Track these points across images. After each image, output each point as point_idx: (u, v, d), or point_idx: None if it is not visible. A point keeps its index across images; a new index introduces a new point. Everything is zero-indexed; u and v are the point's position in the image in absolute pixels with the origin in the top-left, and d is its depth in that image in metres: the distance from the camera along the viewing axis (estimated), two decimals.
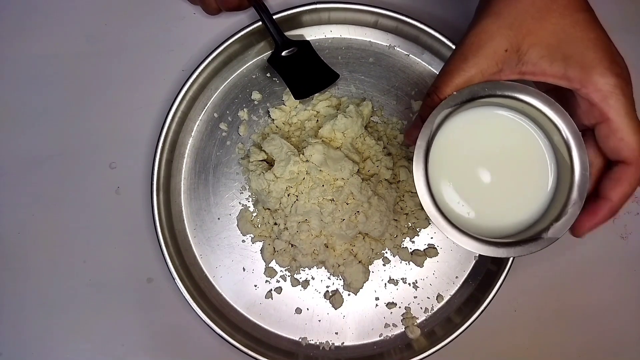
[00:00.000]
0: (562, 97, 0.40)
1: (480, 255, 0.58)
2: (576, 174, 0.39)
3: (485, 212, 0.42)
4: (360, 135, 0.56)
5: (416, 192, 0.41)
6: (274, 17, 0.56)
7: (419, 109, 0.59)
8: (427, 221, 0.58)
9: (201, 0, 0.56)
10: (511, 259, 0.54)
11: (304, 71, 0.57)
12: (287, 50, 0.57)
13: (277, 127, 0.59)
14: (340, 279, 0.57)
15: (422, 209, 0.57)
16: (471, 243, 0.39)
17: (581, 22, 0.37)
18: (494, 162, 0.42)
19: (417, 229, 0.58)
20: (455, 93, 0.39)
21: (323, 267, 0.57)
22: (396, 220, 0.57)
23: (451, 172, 0.42)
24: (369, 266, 0.57)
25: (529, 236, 0.40)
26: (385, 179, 0.56)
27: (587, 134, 0.40)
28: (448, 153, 0.41)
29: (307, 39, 0.59)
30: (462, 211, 0.42)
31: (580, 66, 0.37)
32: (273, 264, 0.57)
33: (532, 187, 0.42)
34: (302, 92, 0.57)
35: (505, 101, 0.40)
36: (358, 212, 0.54)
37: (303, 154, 0.53)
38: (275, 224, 0.56)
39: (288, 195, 0.55)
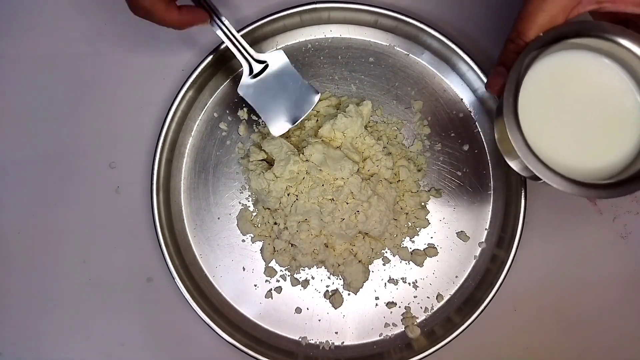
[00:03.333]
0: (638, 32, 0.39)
1: (480, 254, 0.58)
2: None
3: (578, 155, 0.42)
4: (360, 135, 0.56)
5: (499, 145, 0.42)
6: (275, 16, 0.56)
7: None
8: (427, 220, 0.58)
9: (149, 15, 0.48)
10: (511, 258, 0.54)
11: (281, 94, 0.52)
12: (258, 69, 0.51)
13: None
14: (340, 279, 0.57)
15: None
16: (571, 187, 0.39)
17: None
18: (584, 104, 0.42)
19: (417, 229, 0.58)
20: (541, 34, 0.38)
21: (323, 267, 0.57)
22: (396, 219, 0.57)
23: (541, 116, 0.41)
24: (369, 266, 0.57)
25: (626, 177, 0.39)
26: (385, 179, 0.56)
27: None
28: (537, 97, 0.41)
29: (307, 38, 0.59)
30: (553, 154, 0.41)
31: None
32: (273, 263, 0.57)
33: (623, 129, 0.41)
34: (281, 125, 0.52)
35: (591, 42, 0.39)
36: (358, 211, 0.54)
37: (303, 153, 0.53)
38: (275, 223, 0.56)
39: (288, 195, 0.54)
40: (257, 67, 0.52)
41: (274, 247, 0.56)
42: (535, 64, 0.40)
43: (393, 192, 0.56)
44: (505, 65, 0.40)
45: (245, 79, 0.52)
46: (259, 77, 0.52)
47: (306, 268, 0.57)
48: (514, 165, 0.45)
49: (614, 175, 0.41)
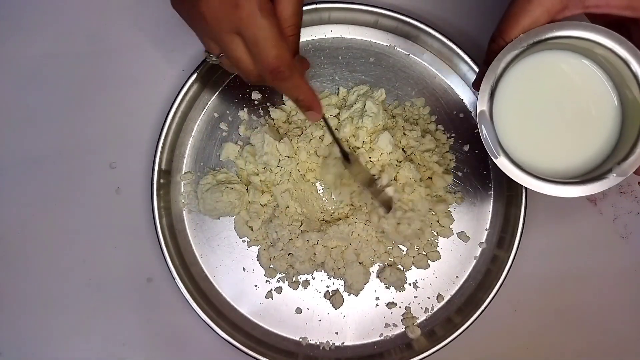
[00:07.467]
0: (624, 34, 0.39)
1: (480, 255, 0.58)
2: None
3: (550, 154, 0.43)
4: (394, 127, 0.56)
5: (481, 141, 0.42)
6: None
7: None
8: (451, 230, 0.57)
9: (238, 68, 0.44)
10: (511, 258, 0.54)
11: None
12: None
13: (277, 126, 0.58)
14: (340, 279, 0.57)
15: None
16: (538, 184, 0.40)
17: None
18: (559, 105, 0.43)
19: (438, 240, 0.57)
20: (521, 35, 0.39)
21: (322, 271, 0.57)
22: (421, 231, 0.56)
23: (517, 116, 0.42)
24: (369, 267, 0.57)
25: (594, 176, 0.40)
26: (437, 164, 0.56)
27: None
28: (514, 98, 0.42)
29: (308, 38, 0.59)
30: (526, 154, 0.42)
31: None
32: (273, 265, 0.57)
33: (597, 129, 0.42)
34: (389, 204, 0.52)
35: (572, 42, 0.40)
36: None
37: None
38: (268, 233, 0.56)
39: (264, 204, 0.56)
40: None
41: (270, 255, 0.56)
42: (515, 64, 0.41)
43: (426, 204, 0.55)
44: (488, 65, 0.41)
45: (346, 164, 0.52)
46: (354, 164, 0.52)
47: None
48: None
49: (586, 173, 0.43)
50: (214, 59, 0.45)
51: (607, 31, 0.39)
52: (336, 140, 0.50)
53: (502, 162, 0.41)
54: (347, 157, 0.51)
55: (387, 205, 0.52)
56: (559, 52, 0.42)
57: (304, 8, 0.56)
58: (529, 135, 0.43)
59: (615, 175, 0.40)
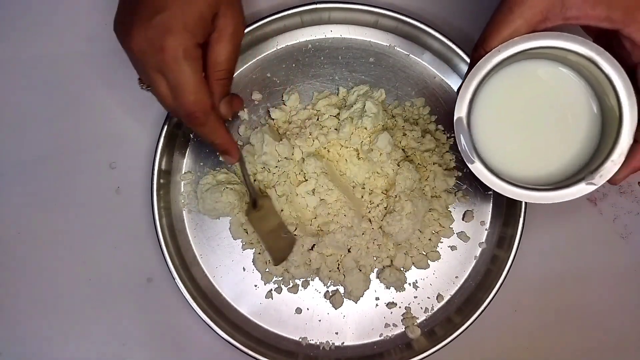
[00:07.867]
0: (606, 45, 0.40)
1: (480, 255, 0.58)
2: (624, 123, 0.39)
3: (528, 161, 0.43)
4: (394, 127, 0.56)
5: (457, 147, 0.43)
6: (275, 16, 0.56)
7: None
8: (451, 230, 0.57)
9: (162, 104, 0.44)
10: (511, 258, 0.54)
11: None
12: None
13: (277, 126, 0.58)
14: (339, 285, 0.57)
15: (449, 218, 0.57)
16: (511, 189, 0.41)
17: None
18: (538, 113, 0.43)
19: (439, 240, 0.57)
20: (500, 45, 0.40)
21: (317, 278, 0.57)
22: (421, 231, 0.56)
23: (495, 123, 0.43)
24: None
25: (568, 183, 0.41)
26: (437, 164, 0.57)
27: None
28: (492, 105, 0.43)
29: (308, 39, 0.59)
30: (504, 161, 0.43)
31: (622, 8, 0.37)
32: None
33: (575, 137, 0.43)
34: (278, 257, 0.54)
35: (552, 52, 0.41)
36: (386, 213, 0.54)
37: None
38: None
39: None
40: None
41: (265, 258, 0.56)
42: (495, 73, 0.42)
43: (426, 204, 0.55)
44: None
45: (251, 209, 0.55)
46: (261, 210, 0.55)
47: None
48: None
49: (563, 180, 0.43)
50: (145, 88, 0.46)
51: (584, 41, 0.40)
52: (246, 184, 0.52)
53: (476, 168, 0.42)
54: (254, 203, 0.54)
55: (280, 258, 0.54)
56: (539, 61, 0.42)
57: (304, 8, 0.56)
58: (507, 142, 0.44)
59: (587, 183, 0.40)
